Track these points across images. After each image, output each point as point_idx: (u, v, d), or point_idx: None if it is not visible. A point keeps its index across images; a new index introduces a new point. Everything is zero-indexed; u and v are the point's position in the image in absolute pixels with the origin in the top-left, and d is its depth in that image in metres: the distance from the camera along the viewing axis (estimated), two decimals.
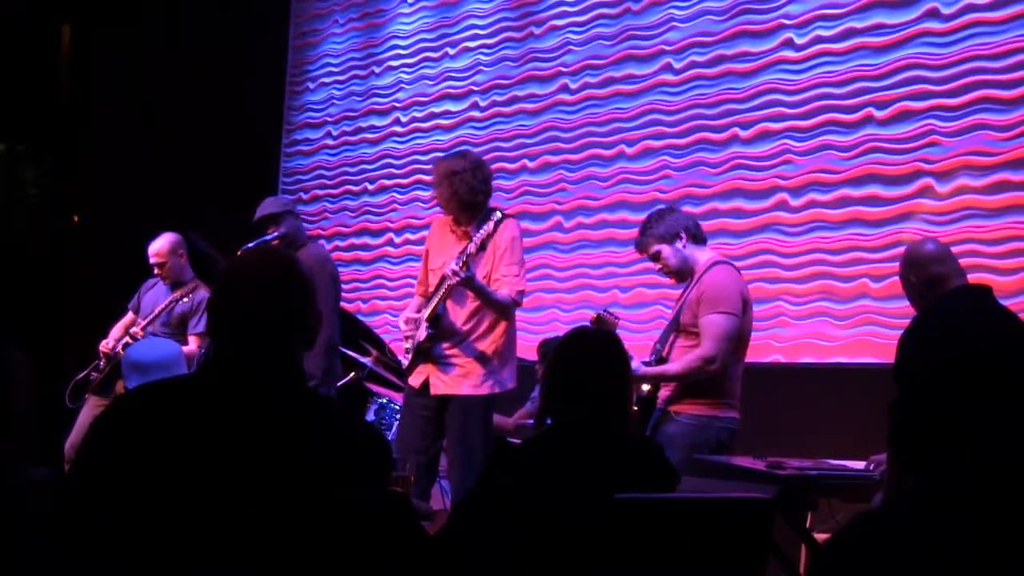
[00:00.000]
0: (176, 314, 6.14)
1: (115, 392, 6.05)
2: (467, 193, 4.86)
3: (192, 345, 6.00)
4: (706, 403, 4.41)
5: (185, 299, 6.10)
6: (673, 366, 4.44)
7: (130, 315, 6.44)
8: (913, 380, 1.68)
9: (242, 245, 4.99)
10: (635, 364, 4.42)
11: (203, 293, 6.15)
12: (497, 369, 4.87)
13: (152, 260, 6.27)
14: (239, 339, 2.10)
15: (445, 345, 4.88)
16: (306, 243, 5.66)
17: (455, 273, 4.64)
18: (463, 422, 4.81)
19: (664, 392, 4.47)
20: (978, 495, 1.52)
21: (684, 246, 4.56)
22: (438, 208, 5.18)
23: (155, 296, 6.33)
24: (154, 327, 6.16)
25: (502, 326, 4.88)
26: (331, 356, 5.42)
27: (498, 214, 4.79)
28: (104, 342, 6.30)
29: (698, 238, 4.61)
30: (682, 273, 4.60)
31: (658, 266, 4.65)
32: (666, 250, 4.56)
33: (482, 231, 4.72)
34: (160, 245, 6.26)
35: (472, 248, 4.69)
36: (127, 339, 6.14)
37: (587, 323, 4.83)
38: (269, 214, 5.56)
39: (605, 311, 4.67)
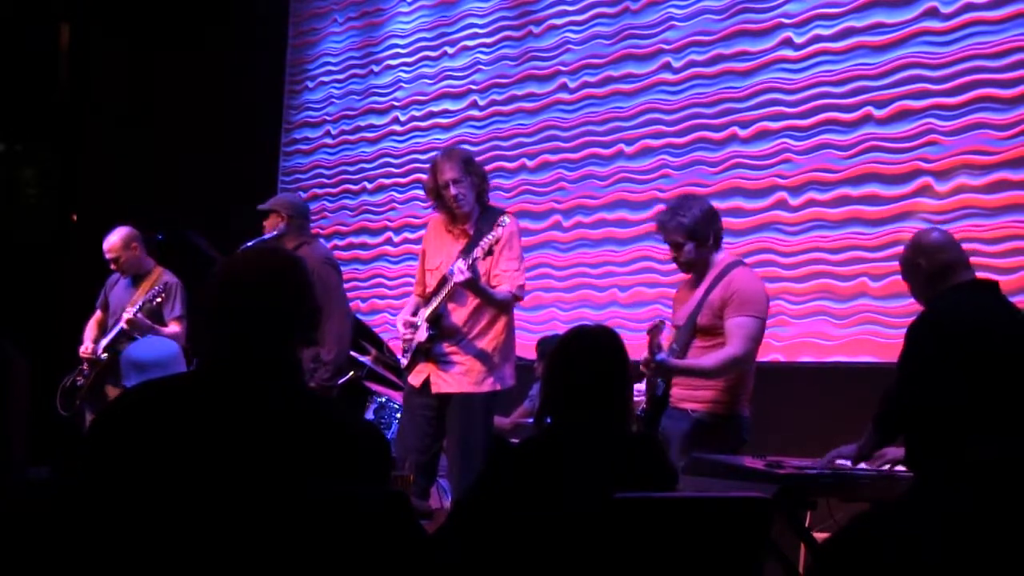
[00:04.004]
0: (149, 306, 6.13)
1: (105, 398, 6.09)
2: (483, 181, 4.89)
3: (175, 328, 6.00)
4: (724, 402, 4.42)
5: (158, 294, 6.08)
6: (706, 361, 4.38)
7: (99, 313, 6.45)
8: (922, 372, 1.68)
9: (241, 244, 4.99)
10: (663, 355, 4.37)
11: (168, 278, 6.20)
12: (498, 366, 4.87)
13: (107, 256, 6.26)
14: (238, 338, 2.10)
15: (446, 344, 4.87)
16: (310, 242, 5.65)
17: (461, 272, 4.62)
18: (464, 420, 4.80)
19: (679, 391, 4.45)
20: (977, 495, 1.53)
21: (710, 247, 4.52)
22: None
23: (120, 292, 6.32)
24: (117, 316, 6.19)
25: (502, 323, 4.87)
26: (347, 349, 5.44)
27: (506, 219, 4.72)
28: (83, 346, 6.29)
29: (720, 243, 4.58)
30: (696, 268, 4.56)
31: (674, 253, 4.57)
32: (690, 246, 4.48)
33: (490, 236, 4.66)
34: (112, 240, 6.24)
35: (479, 253, 4.66)
36: (105, 340, 6.16)
37: (587, 322, 4.81)
38: (272, 211, 5.55)
39: (661, 319, 4.57)
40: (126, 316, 5.99)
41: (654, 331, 4.41)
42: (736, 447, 4.41)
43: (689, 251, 4.50)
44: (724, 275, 4.45)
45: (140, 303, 6.04)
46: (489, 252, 4.68)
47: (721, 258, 4.55)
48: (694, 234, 4.47)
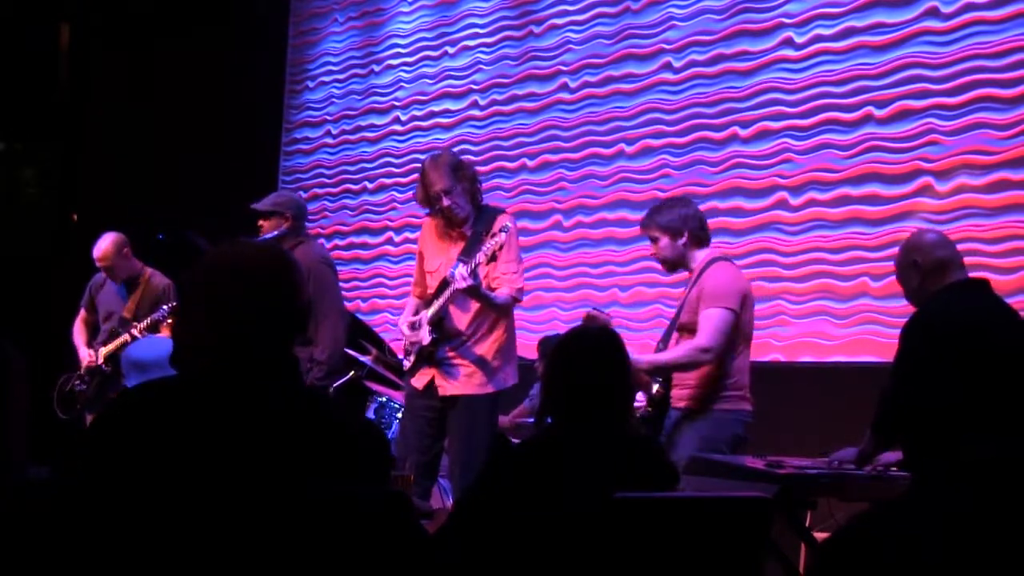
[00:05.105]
0: (146, 308, 6.12)
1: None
2: (475, 182, 4.85)
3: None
4: (721, 399, 4.43)
5: (169, 314, 6.02)
6: (667, 354, 4.48)
7: (83, 313, 6.42)
8: (916, 372, 1.68)
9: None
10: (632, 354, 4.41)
11: (159, 280, 6.21)
12: (500, 368, 4.84)
13: (99, 264, 6.19)
14: (237, 337, 2.09)
15: (448, 348, 4.83)
16: (307, 241, 5.61)
17: (464, 279, 4.58)
18: (469, 421, 4.78)
19: (678, 392, 4.48)
20: (977, 495, 1.52)
21: (684, 244, 4.56)
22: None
23: (111, 296, 6.29)
24: (115, 322, 6.18)
25: (503, 325, 4.86)
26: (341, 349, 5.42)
27: (508, 223, 4.69)
28: (83, 354, 6.26)
29: (701, 241, 4.59)
30: (673, 265, 4.62)
31: (652, 249, 4.67)
32: (664, 241, 4.57)
33: (493, 242, 4.60)
34: (105, 248, 6.16)
35: (482, 258, 4.61)
36: (104, 350, 6.13)
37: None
38: (273, 212, 5.49)
39: (595, 309, 4.67)
40: (134, 334, 5.96)
41: (590, 321, 4.49)
42: (736, 442, 4.40)
43: (663, 246, 4.58)
44: (703, 272, 4.50)
45: (148, 321, 5.98)
46: (493, 258, 4.64)
47: (703, 256, 4.56)
48: (667, 229, 4.55)
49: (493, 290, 4.77)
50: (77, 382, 6.25)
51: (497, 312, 4.82)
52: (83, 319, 6.43)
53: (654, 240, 4.61)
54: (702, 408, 4.43)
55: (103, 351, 6.16)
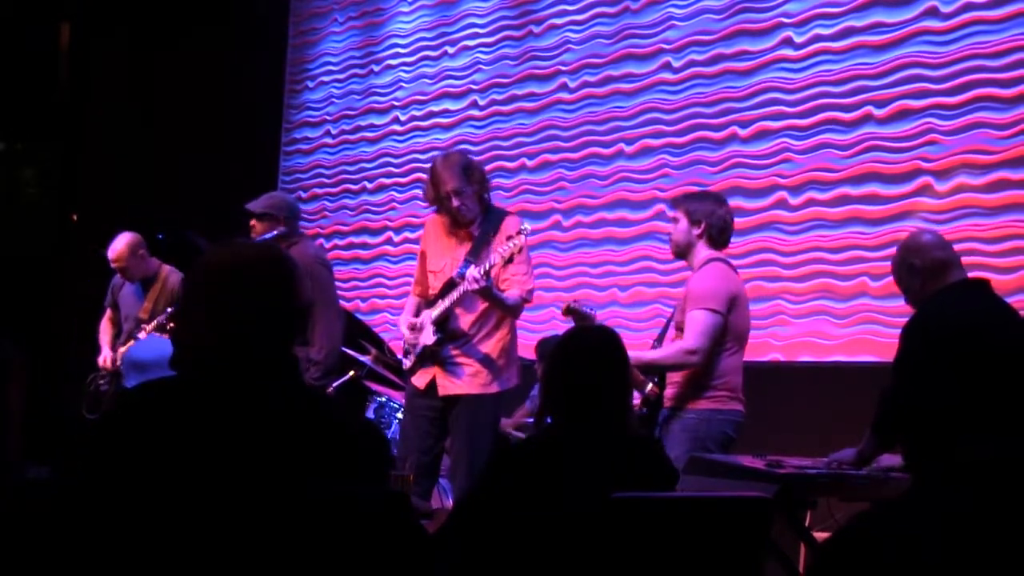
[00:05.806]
0: (161, 307, 6.12)
1: None
2: (484, 183, 4.82)
3: None
4: (708, 399, 4.43)
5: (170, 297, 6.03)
6: (654, 353, 4.51)
7: (108, 312, 6.43)
8: (914, 374, 1.68)
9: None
10: None
11: (175, 277, 6.19)
12: (504, 368, 4.81)
13: (113, 265, 6.18)
14: (237, 338, 2.09)
15: (452, 347, 4.79)
16: (300, 241, 5.58)
17: (476, 280, 4.53)
18: (472, 421, 4.75)
19: (669, 391, 4.49)
20: (977, 495, 1.53)
21: (696, 235, 4.56)
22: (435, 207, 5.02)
23: (130, 297, 6.29)
24: (132, 323, 6.18)
25: (506, 325, 4.82)
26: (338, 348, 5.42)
27: (527, 226, 4.63)
28: (102, 356, 6.27)
29: (715, 242, 4.57)
30: (679, 250, 4.62)
31: (670, 229, 4.68)
32: (683, 224, 4.57)
33: (511, 245, 4.50)
34: (119, 249, 6.15)
35: (498, 260, 4.52)
36: (123, 349, 6.13)
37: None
38: (267, 214, 5.47)
39: (575, 303, 4.69)
40: (139, 336, 5.96)
41: (570, 313, 4.55)
42: (724, 443, 4.40)
43: (680, 229, 4.58)
44: (695, 273, 4.51)
45: (154, 323, 5.97)
46: (510, 260, 4.56)
47: (703, 256, 4.55)
48: (689, 214, 4.55)
49: (503, 291, 4.73)
50: (101, 382, 6.27)
51: (507, 313, 4.79)
52: (109, 318, 6.44)
53: (675, 220, 4.61)
54: (681, 406, 4.44)
55: (120, 351, 6.17)
